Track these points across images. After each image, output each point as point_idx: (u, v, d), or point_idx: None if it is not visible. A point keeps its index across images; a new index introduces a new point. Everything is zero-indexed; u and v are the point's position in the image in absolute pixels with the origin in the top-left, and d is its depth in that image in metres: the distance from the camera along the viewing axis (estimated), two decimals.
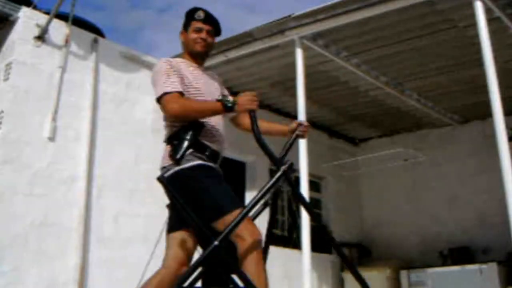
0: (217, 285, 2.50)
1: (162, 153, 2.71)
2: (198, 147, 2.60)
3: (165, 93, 2.57)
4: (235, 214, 2.38)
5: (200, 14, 2.84)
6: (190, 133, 2.58)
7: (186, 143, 2.56)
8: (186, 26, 2.88)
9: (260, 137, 2.53)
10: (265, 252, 2.70)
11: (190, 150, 2.56)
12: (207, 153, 2.62)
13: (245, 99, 2.52)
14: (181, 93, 2.60)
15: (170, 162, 2.58)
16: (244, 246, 2.37)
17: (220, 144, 2.73)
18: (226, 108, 2.50)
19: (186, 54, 2.88)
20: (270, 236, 2.79)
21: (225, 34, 6.07)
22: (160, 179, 2.44)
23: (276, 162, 2.54)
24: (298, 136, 2.87)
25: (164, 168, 2.61)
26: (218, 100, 2.54)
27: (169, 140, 2.65)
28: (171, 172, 2.55)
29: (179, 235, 2.62)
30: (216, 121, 2.72)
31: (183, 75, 2.69)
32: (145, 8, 22.17)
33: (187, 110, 2.58)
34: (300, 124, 2.90)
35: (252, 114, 2.56)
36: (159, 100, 2.61)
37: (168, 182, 2.48)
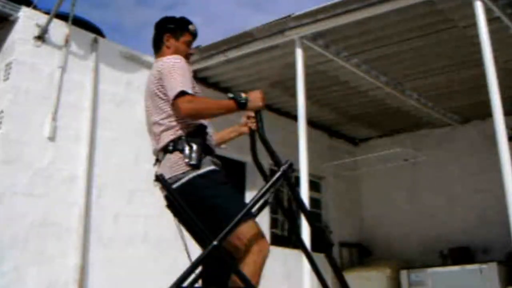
0: (217, 285, 2.50)
1: (166, 163, 2.55)
2: (207, 150, 2.54)
3: (183, 92, 2.48)
4: (248, 224, 2.36)
5: (195, 30, 2.85)
6: (198, 136, 2.52)
7: (197, 147, 2.47)
8: (176, 33, 2.82)
9: (264, 136, 2.52)
10: None
11: (203, 154, 2.48)
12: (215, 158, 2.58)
13: (256, 97, 2.50)
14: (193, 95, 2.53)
15: (182, 170, 2.46)
16: (249, 258, 2.34)
17: (213, 142, 2.70)
18: (239, 105, 2.46)
19: None
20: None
21: (230, 33, 6.13)
22: (159, 180, 2.40)
23: (277, 161, 2.54)
24: (250, 129, 2.78)
25: (173, 178, 2.46)
26: (230, 98, 2.49)
27: (175, 147, 2.51)
28: (185, 180, 2.45)
29: None
30: (207, 121, 2.68)
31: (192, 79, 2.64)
32: (150, 6, 22.17)
33: (203, 109, 2.51)
34: (249, 117, 2.81)
35: (258, 113, 2.53)
36: (174, 100, 2.49)
37: (180, 192, 2.40)
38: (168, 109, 2.58)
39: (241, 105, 2.47)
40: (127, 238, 5.70)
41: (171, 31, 2.83)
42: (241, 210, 2.35)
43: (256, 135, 2.72)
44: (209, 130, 2.65)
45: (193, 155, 2.46)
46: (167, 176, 2.45)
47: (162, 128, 2.59)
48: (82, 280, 5.18)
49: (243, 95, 2.48)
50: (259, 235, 2.42)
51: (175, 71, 2.57)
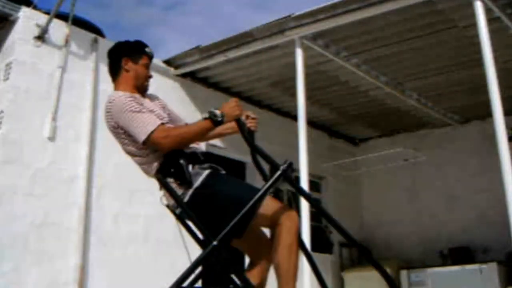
0: (217, 285, 2.50)
1: (160, 191, 2.64)
2: (192, 158, 2.55)
3: (152, 132, 2.46)
4: (267, 202, 2.43)
5: (151, 52, 2.82)
6: (177, 152, 2.52)
7: (182, 163, 2.49)
8: (134, 56, 2.77)
9: (253, 143, 2.52)
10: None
11: (190, 166, 2.50)
12: (202, 158, 2.59)
13: (230, 108, 2.48)
14: (162, 124, 2.51)
15: (181, 191, 2.49)
16: (280, 230, 2.39)
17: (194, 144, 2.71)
18: (216, 123, 2.44)
19: (129, 86, 2.72)
20: None
21: (230, 33, 6.13)
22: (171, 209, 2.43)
23: (274, 164, 2.54)
24: (249, 130, 2.76)
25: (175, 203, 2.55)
26: (205, 118, 2.46)
27: (164, 172, 2.54)
28: (187, 198, 2.48)
29: None
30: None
31: (148, 108, 2.60)
32: (150, 6, 22.17)
33: (182, 139, 2.49)
34: (248, 117, 2.77)
35: (240, 121, 2.52)
36: (145, 141, 2.49)
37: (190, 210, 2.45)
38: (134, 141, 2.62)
39: (218, 123, 2.45)
40: (127, 238, 5.70)
41: (129, 54, 2.77)
42: (252, 196, 2.39)
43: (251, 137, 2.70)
44: None
45: (182, 172, 2.48)
46: (170, 203, 2.57)
47: (140, 159, 2.70)
48: (82, 280, 5.18)
49: (217, 111, 2.45)
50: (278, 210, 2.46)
51: (128, 114, 2.54)
